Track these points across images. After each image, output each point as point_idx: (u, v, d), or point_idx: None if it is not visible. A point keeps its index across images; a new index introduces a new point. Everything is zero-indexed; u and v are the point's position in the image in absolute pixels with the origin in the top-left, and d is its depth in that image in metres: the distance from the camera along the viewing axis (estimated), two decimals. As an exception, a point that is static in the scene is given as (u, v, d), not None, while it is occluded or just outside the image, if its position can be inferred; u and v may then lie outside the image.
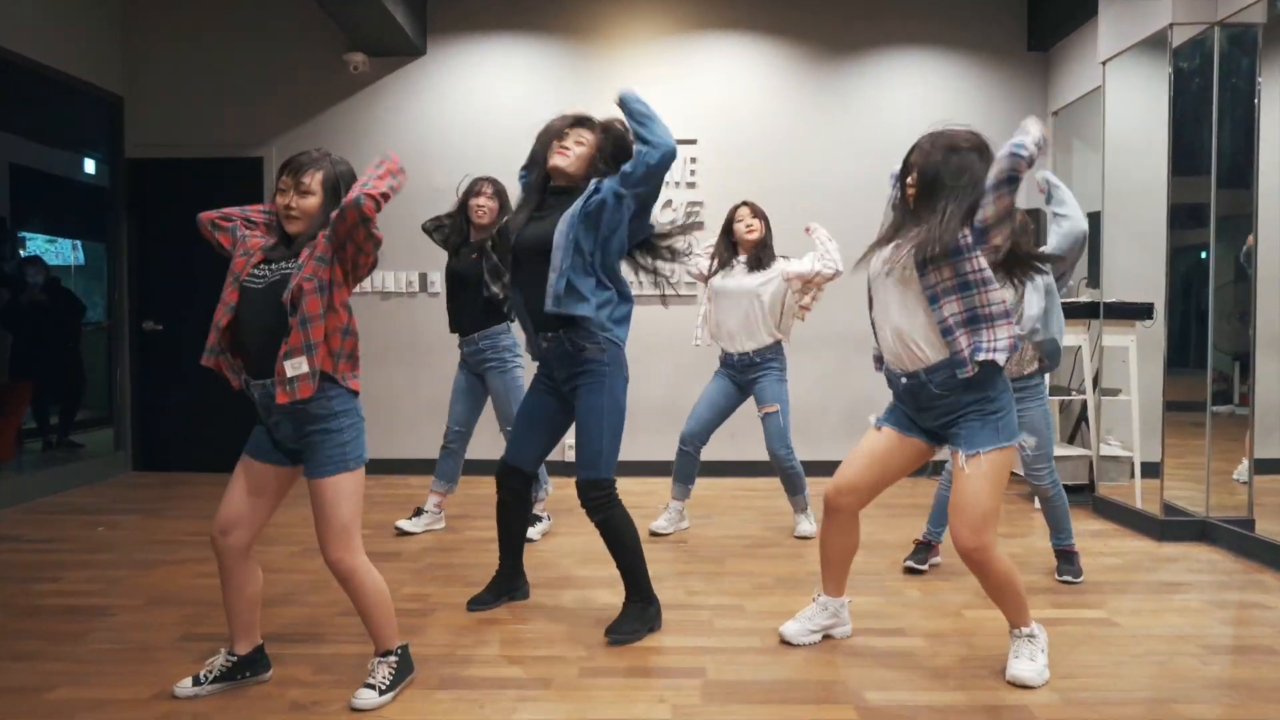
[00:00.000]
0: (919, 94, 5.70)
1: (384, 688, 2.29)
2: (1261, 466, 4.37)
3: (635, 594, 2.83)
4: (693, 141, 5.68)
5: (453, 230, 3.99)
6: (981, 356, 2.32)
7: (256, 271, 2.24)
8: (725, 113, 5.71)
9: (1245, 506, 3.95)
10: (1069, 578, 3.38)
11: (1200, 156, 4.02)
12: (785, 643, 2.72)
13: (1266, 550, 3.67)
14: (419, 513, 4.18)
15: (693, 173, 5.69)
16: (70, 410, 6.53)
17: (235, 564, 2.31)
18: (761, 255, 3.99)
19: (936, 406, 2.42)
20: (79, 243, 9.06)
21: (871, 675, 2.51)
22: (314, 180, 2.24)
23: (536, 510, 4.06)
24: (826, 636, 2.77)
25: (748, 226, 3.99)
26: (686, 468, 4.14)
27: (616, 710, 2.29)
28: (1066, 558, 3.45)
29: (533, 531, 3.95)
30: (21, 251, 7.98)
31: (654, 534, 4.08)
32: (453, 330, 4.05)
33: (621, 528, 2.79)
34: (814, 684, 2.46)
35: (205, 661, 2.40)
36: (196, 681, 2.33)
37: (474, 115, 5.72)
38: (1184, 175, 4.08)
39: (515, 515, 3.03)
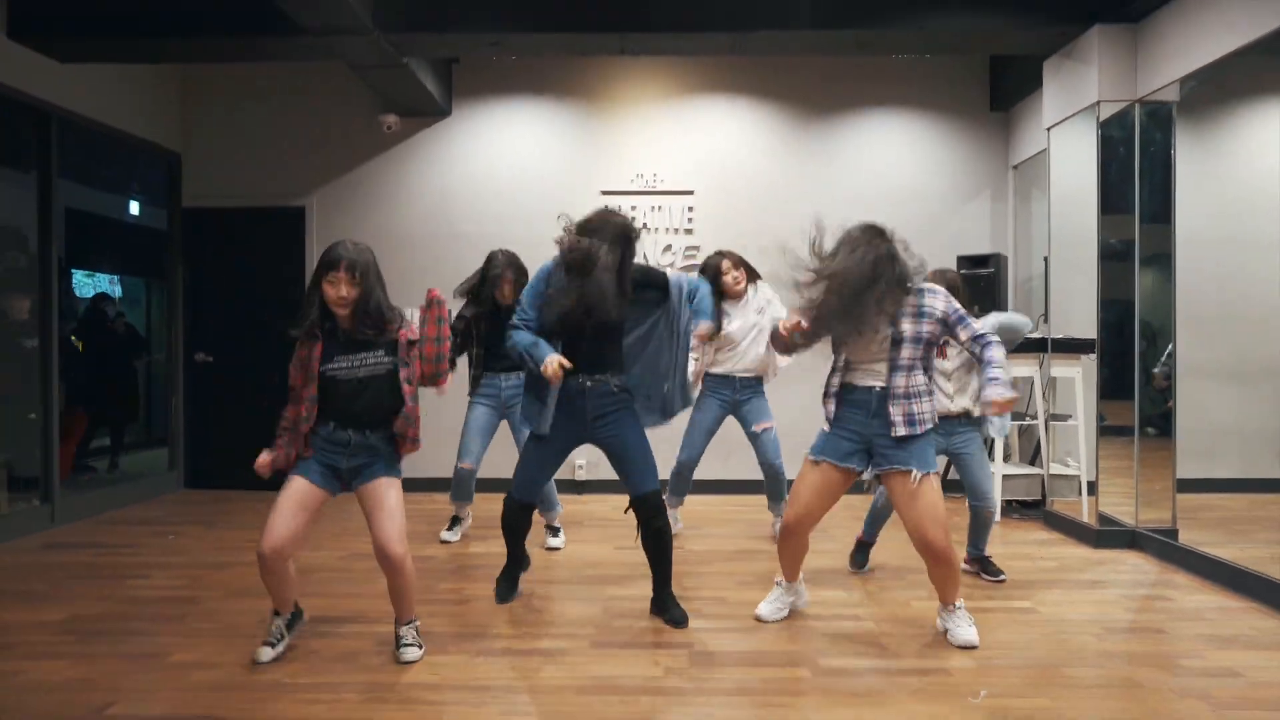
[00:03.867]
0: (893, 149, 6.35)
1: (420, 644, 3.01)
2: (1198, 485, 4.98)
3: (669, 582, 3.43)
4: (690, 192, 6.33)
5: (483, 305, 4.39)
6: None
7: (338, 365, 2.84)
8: (719, 166, 6.36)
9: (1171, 519, 4.53)
10: (1001, 576, 3.95)
11: (1128, 208, 4.62)
12: (760, 620, 3.36)
13: (1186, 556, 4.24)
14: (455, 523, 4.77)
15: (690, 220, 6.33)
16: (121, 434, 7.18)
17: (283, 568, 2.89)
18: (748, 292, 4.53)
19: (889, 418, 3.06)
20: (117, 278, 9.77)
21: (827, 647, 3.10)
22: (359, 275, 2.79)
23: (554, 523, 4.62)
24: (792, 611, 3.41)
25: (734, 280, 4.48)
26: (683, 486, 4.73)
27: (620, 670, 2.89)
28: (986, 561, 4.01)
29: (555, 542, 4.56)
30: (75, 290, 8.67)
31: None
32: (493, 370, 4.45)
33: (668, 530, 3.39)
34: (779, 653, 3.05)
35: (271, 629, 3.00)
36: (271, 645, 2.94)
37: (494, 169, 6.38)
38: (1113, 215, 4.67)
39: (523, 531, 3.60)
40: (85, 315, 7.38)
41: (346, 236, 6.64)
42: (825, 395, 3.20)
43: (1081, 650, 3.07)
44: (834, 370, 3.19)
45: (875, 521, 4.12)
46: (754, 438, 4.56)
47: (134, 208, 8.33)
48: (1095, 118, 4.70)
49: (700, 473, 4.86)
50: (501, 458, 4.87)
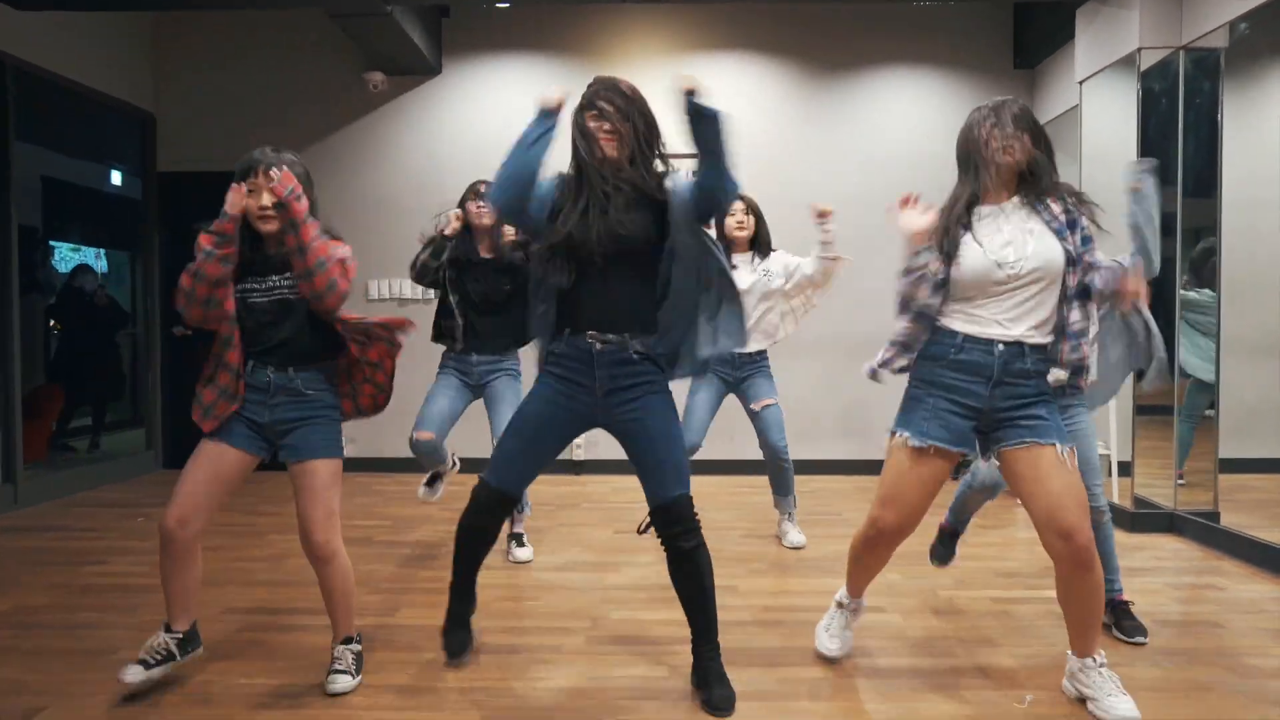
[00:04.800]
0: (912, 108, 5.99)
1: (355, 670, 2.47)
2: (1234, 465, 4.65)
3: (715, 640, 2.44)
4: (695, 155, 5.96)
5: (455, 249, 3.73)
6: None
7: (252, 286, 2.39)
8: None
9: (1212, 500, 4.21)
10: (1140, 637, 2.80)
11: (1168, 170, 4.27)
12: (830, 658, 2.63)
13: (1229, 540, 3.92)
14: (436, 479, 3.87)
15: (694, 185, 5.96)
16: (103, 413, 6.87)
17: (187, 552, 2.36)
18: (754, 253, 3.95)
19: (1019, 384, 2.27)
20: (102, 251, 9.45)
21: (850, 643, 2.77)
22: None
23: (517, 529, 3.87)
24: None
25: (738, 223, 3.88)
26: None
27: (620, 671, 2.58)
28: (1122, 610, 2.88)
29: (523, 554, 3.80)
30: (53, 260, 8.34)
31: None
32: (467, 350, 3.76)
33: (709, 560, 2.40)
34: (797, 650, 2.73)
35: (146, 645, 2.39)
36: (145, 664, 2.35)
37: (486, 131, 6.01)
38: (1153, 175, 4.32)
39: (486, 547, 2.49)
40: (64, 289, 7.07)
41: (333, 201, 6.24)
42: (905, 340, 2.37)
43: (1127, 649, 2.75)
44: (921, 313, 2.34)
45: (965, 507, 3.19)
46: (754, 416, 3.99)
47: (110, 175, 7.97)
48: (1135, 67, 4.33)
49: (703, 453, 4.51)
50: (469, 432, 4.30)
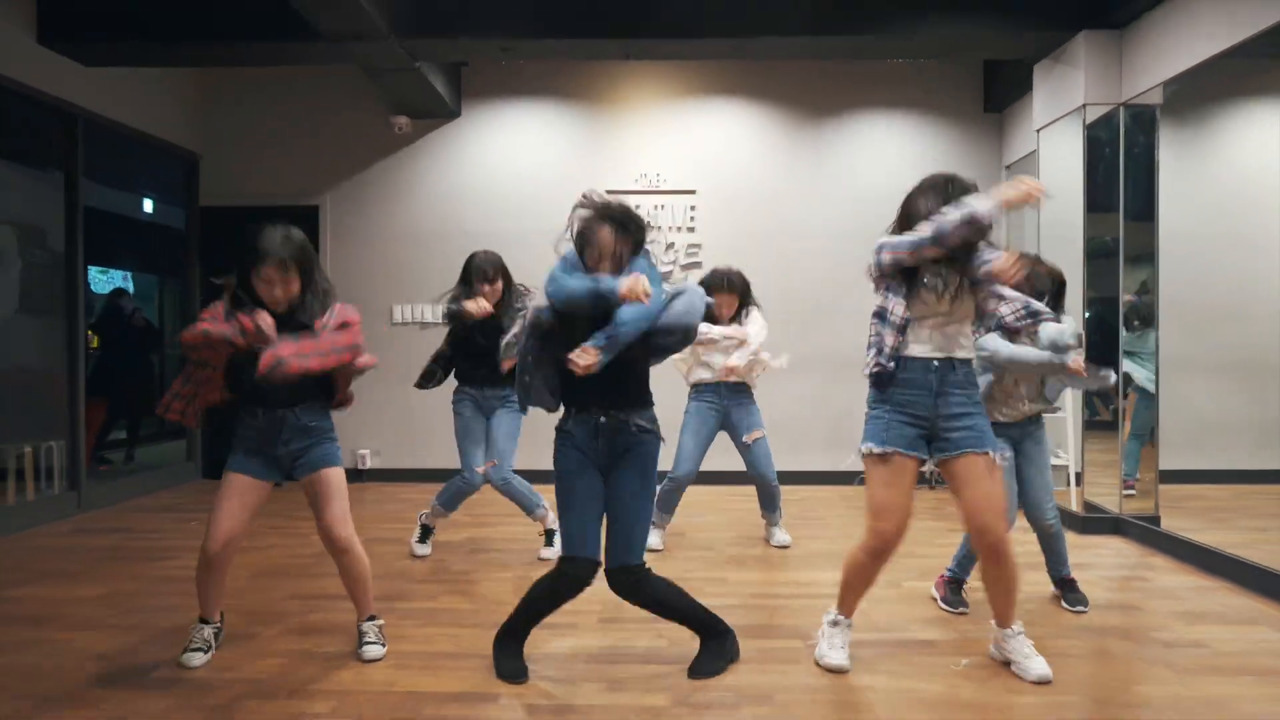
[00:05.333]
0: (890, 150, 6.54)
1: (382, 641, 2.97)
2: (1186, 476, 5.18)
3: (707, 634, 2.88)
4: (692, 192, 6.52)
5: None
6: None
7: None
8: (722, 167, 6.56)
9: (1153, 506, 4.72)
10: (1081, 607, 3.44)
11: (1111, 207, 4.81)
12: (841, 670, 2.85)
13: (1167, 541, 4.43)
14: (428, 534, 4.38)
15: (692, 219, 6.52)
16: (138, 427, 7.37)
17: (222, 567, 2.86)
18: (735, 322, 4.40)
19: (955, 394, 2.70)
20: (129, 274, 10.00)
21: (816, 622, 3.28)
22: (293, 269, 2.68)
23: (551, 525, 4.30)
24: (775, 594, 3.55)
25: (719, 313, 4.33)
26: (673, 503, 4.49)
27: (627, 641, 3.10)
28: (1068, 585, 3.54)
29: (550, 552, 4.22)
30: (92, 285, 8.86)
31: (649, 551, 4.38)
32: (483, 385, 4.20)
33: (662, 596, 2.80)
34: (774, 627, 3.26)
35: (197, 636, 2.91)
36: (201, 650, 2.88)
37: (502, 168, 6.58)
38: (1098, 214, 4.86)
39: (554, 608, 2.84)
40: (104, 310, 7.58)
41: (360, 233, 6.79)
42: (878, 371, 2.74)
43: (1058, 623, 3.27)
44: (884, 336, 2.73)
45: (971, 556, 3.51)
46: (744, 449, 4.45)
47: (152, 206, 8.53)
48: (1082, 120, 4.88)
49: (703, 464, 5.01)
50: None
